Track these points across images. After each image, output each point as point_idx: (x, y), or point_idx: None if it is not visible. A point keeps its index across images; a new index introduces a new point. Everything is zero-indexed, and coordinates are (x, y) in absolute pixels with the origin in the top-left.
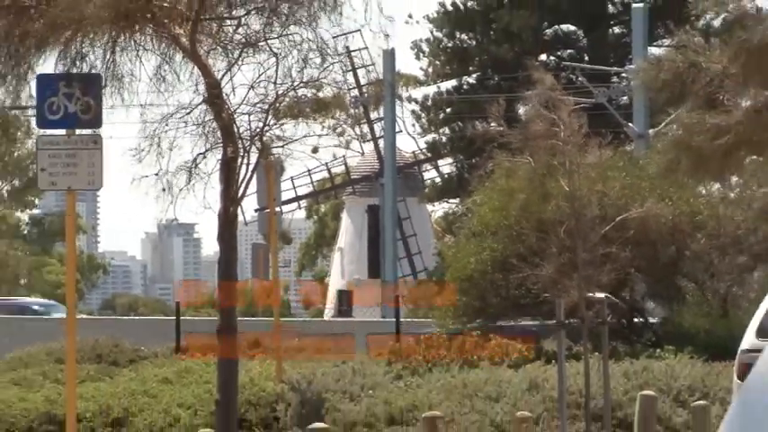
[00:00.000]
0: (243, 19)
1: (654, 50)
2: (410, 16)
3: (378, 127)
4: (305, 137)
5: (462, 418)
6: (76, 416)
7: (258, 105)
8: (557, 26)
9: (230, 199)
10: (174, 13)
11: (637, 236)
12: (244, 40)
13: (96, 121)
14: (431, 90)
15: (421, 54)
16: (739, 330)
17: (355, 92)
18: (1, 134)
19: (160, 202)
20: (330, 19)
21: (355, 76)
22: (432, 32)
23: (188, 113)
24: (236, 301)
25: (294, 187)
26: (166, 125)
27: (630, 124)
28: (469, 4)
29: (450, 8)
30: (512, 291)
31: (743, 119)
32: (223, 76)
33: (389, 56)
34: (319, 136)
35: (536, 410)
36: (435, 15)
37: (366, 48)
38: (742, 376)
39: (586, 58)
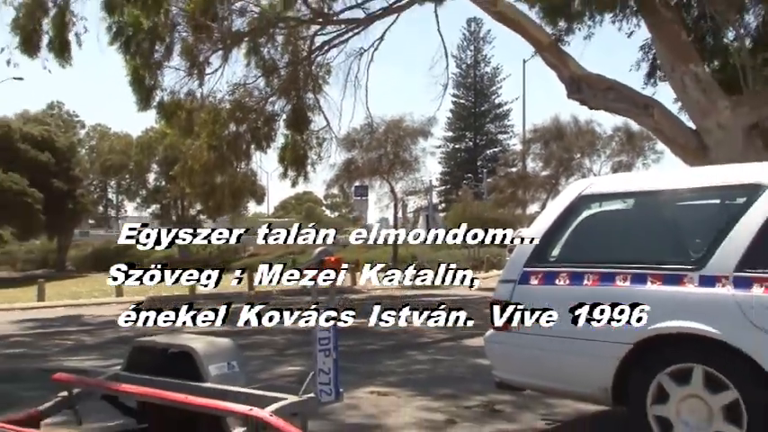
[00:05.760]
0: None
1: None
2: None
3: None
4: (415, 202)
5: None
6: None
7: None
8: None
9: (396, 213)
10: (373, 170)
11: (485, 218)
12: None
13: (365, 194)
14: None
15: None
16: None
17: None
18: (343, 200)
19: (378, 213)
20: (413, 173)
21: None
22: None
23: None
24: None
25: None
26: (378, 200)
27: (485, 196)
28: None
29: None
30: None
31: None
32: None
33: (431, 185)
34: (417, 200)
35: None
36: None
37: (422, 182)
38: (510, 252)
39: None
